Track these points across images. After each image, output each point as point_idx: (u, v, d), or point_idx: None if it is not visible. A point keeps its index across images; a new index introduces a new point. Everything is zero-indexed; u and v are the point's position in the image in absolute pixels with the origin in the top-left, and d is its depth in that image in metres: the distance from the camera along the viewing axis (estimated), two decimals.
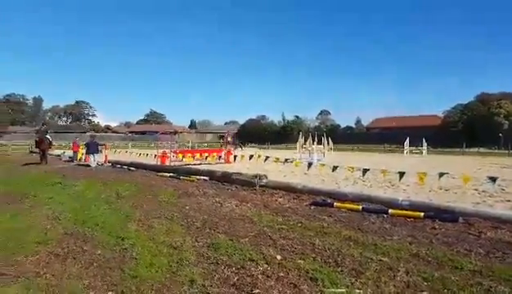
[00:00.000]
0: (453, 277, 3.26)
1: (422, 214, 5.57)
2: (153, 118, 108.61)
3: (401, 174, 8.39)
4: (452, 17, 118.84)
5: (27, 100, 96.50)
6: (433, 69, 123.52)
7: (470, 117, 56.09)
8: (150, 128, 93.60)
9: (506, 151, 35.82)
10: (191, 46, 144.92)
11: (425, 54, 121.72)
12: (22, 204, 6.99)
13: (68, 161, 20.42)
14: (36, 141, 19.36)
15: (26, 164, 17.89)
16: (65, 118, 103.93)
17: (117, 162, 16.94)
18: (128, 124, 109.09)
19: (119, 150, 28.50)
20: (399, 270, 3.43)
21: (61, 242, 4.52)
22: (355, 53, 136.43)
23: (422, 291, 3.03)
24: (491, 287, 3.04)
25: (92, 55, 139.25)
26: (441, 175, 7.78)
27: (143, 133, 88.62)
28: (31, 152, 29.93)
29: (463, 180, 7.69)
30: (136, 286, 3.15)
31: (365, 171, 9.18)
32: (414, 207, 5.97)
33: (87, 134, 28.87)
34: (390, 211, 5.85)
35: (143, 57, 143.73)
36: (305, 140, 23.64)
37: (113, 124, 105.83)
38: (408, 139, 32.80)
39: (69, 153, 22.62)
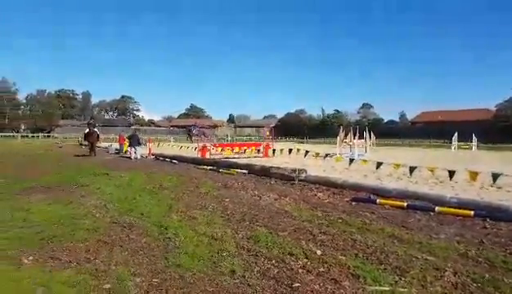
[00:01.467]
0: (506, 279, 3.06)
1: (472, 212, 5.27)
2: (193, 112, 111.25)
3: (451, 173, 7.90)
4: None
5: (77, 94, 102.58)
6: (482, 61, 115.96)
7: None
8: (191, 122, 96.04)
9: None
10: (231, 41, 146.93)
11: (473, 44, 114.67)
12: (73, 193, 7.40)
13: (114, 153, 21.47)
14: (85, 134, 20.54)
15: (77, 156, 19.05)
16: (111, 113, 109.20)
17: (160, 155, 17.58)
18: (169, 118, 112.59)
19: (161, 144, 29.51)
20: (446, 270, 3.26)
21: (109, 230, 4.73)
22: (398, 43, 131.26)
23: (471, 292, 2.87)
24: None
25: (138, 53, 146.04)
26: (495, 176, 7.20)
27: (184, 127, 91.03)
28: (80, 144, 31.79)
29: None
30: (179, 274, 3.25)
31: (412, 169, 8.75)
32: (463, 204, 5.66)
33: (132, 128, 30.10)
34: (437, 208, 5.58)
35: (184, 54, 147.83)
36: (345, 135, 23.09)
37: (156, 118, 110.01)
38: (456, 133, 31.00)
39: (116, 145, 23.75)
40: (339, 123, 55.31)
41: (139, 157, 17.09)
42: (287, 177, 9.05)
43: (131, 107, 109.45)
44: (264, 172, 10.08)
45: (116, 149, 22.26)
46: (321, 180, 8.54)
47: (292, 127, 78.68)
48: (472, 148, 31.70)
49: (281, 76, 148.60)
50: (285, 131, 74.49)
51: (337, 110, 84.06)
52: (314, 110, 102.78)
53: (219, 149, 19.12)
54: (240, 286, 3.02)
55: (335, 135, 25.82)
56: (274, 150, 19.84)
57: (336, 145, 22.94)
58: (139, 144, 17.72)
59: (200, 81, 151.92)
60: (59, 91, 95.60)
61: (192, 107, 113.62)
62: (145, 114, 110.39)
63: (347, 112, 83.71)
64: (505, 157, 21.27)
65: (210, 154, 17.55)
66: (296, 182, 8.68)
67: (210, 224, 4.91)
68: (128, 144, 19.07)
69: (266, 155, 19.01)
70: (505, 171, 8.35)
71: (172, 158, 16.04)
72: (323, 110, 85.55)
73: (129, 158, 17.37)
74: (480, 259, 3.57)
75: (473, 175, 7.64)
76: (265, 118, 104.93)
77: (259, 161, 14.52)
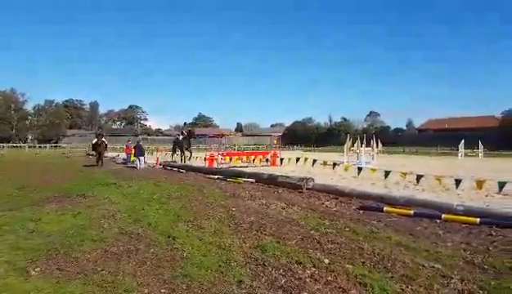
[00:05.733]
0: None
1: (478, 220, 5.25)
2: (201, 121, 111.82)
3: (458, 181, 7.87)
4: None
5: (84, 104, 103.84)
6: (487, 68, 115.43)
7: None
8: (199, 131, 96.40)
9: None
10: (238, 48, 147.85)
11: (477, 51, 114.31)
12: (81, 203, 7.50)
13: (121, 163, 21.67)
14: (93, 145, 20.80)
15: (85, 166, 19.27)
16: (118, 122, 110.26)
17: (168, 165, 17.70)
18: (177, 127, 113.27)
19: (170, 153, 29.66)
20: (453, 278, 3.27)
21: (117, 240, 4.79)
22: (404, 53, 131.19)
23: None
24: None
25: (145, 62, 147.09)
26: (501, 184, 7.16)
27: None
28: (88, 154, 32.12)
29: None
30: (186, 284, 3.29)
31: (418, 177, 8.72)
32: (469, 212, 5.64)
33: (139, 137, 30.34)
34: (443, 216, 5.57)
35: (192, 63, 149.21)
36: (353, 143, 23.04)
37: (163, 127, 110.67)
38: (463, 141, 30.76)
39: (123, 155, 23.97)
40: (347, 131, 55.22)
41: (143, 166, 17.32)
42: (295, 186, 9.07)
43: (138, 116, 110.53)
44: (272, 181, 10.11)
45: (123, 159, 22.47)
46: (328, 188, 8.54)
47: (299, 136, 78.74)
48: (478, 155, 31.44)
49: (289, 84, 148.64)
50: (292, 139, 74.52)
51: (344, 118, 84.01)
52: (321, 118, 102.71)
53: (227, 158, 19.20)
54: None
55: (343, 143, 25.80)
56: (282, 159, 19.86)
57: (343, 153, 22.91)
58: (142, 154, 18.00)
59: (208, 90, 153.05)
60: (66, 101, 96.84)
61: (200, 116, 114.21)
62: (153, 124, 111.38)
63: (354, 120, 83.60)
64: (508, 164, 21.04)
65: (218, 164, 17.64)
66: (304, 191, 8.69)
67: (218, 234, 4.95)
68: (134, 153, 19.34)
69: (274, 164, 19.02)
70: (510, 179, 8.30)
71: (180, 167, 16.16)
72: (330, 118, 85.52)
73: (134, 167, 17.63)
74: (486, 266, 3.57)
75: (480, 183, 7.60)
76: (272, 126, 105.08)
77: (267, 170, 14.54)
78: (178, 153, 21.14)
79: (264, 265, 3.74)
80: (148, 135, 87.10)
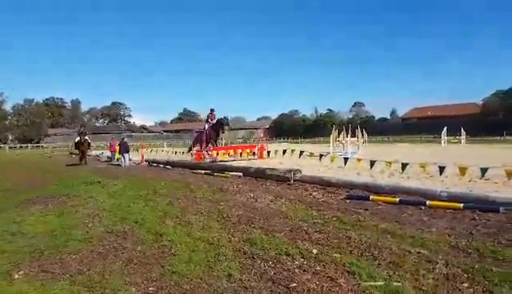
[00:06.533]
0: (494, 268, 3.15)
1: (461, 205, 5.37)
2: (186, 116, 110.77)
3: (441, 168, 8.03)
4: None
5: (65, 102, 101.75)
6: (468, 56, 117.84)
7: (511, 104, 53.01)
8: (185, 126, 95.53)
9: None
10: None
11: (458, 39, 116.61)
12: (66, 203, 7.36)
13: (106, 161, 21.36)
14: (75, 143, 20.39)
15: (68, 165, 18.93)
16: (102, 120, 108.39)
17: (153, 161, 17.52)
18: (162, 123, 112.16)
19: (155, 149, 29.41)
20: (438, 262, 3.35)
21: (102, 239, 4.72)
22: (386, 42, 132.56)
23: (462, 283, 2.94)
24: None
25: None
26: (483, 170, 7.33)
27: (177, 132, 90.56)
28: (71, 153, 31.51)
29: (505, 172, 7.23)
30: (175, 281, 3.27)
31: (404, 165, 8.86)
32: (453, 198, 5.77)
33: (124, 134, 29.94)
34: (428, 202, 5.67)
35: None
36: (338, 134, 23.22)
37: (148, 124, 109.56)
38: (446, 128, 31.39)
39: (108, 153, 23.62)
40: (332, 122, 55.65)
41: (127, 164, 17.13)
42: (282, 178, 9.09)
43: (122, 113, 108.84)
44: (259, 174, 10.10)
45: (108, 157, 22.13)
46: (315, 179, 8.60)
47: (286, 128, 79.05)
48: (461, 142, 32.14)
49: (275, 77, 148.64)
50: (279, 132, 74.77)
51: (330, 110, 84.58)
52: (307, 110, 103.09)
53: (214, 152, 19.09)
54: (237, 289, 3.05)
55: (329, 134, 25.93)
56: (269, 152, 19.86)
57: (330, 144, 23.08)
58: (127, 151, 17.77)
59: (193, 84, 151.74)
60: (47, 100, 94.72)
61: (185, 111, 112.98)
62: (137, 120, 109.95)
63: (339, 111, 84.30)
64: (493, 150, 21.60)
65: (205, 158, 17.52)
66: (291, 182, 8.72)
67: (206, 229, 4.93)
68: (119, 151, 19.06)
69: (261, 157, 19.01)
70: (491, 164, 8.50)
71: (166, 163, 16.00)
72: (316, 110, 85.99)
73: (118, 165, 17.43)
74: (470, 250, 3.66)
75: (462, 169, 7.77)
76: (259, 119, 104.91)
77: (254, 163, 14.54)
78: (196, 147, 17.77)
79: (253, 257, 3.75)
80: (132, 132, 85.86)
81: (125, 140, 18.90)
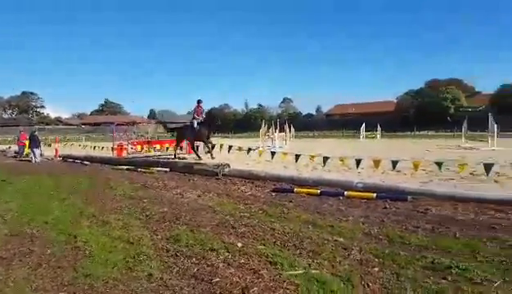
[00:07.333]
0: (402, 252, 3.45)
1: (374, 195, 5.83)
2: (108, 108, 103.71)
3: (358, 161, 8.65)
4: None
5: None
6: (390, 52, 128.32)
7: (421, 102, 59.29)
8: (106, 119, 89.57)
9: (452, 134, 38.15)
10: (152, 32, 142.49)
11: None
12: None
13: (13, 156, 19.24)
14: None
15: None
16: (10, 111, 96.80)
17: (69, 156, 16.18)
18: (81, 116, 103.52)
19: (70, 143, 27.19)
20: (353, 249, 3.57)
21: (6, 243, 4.22)
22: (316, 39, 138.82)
23: (373, 267, 3.17)
24: (434, 259, 3.25)
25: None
26: (394, 162, 8.06)
27: (98, 125, 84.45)
28: None
29: (413, 164, 8.03)
30: (89, 285, 3.02)
31: (325, 159, 9.35)
32: (367, 188, 6.25)
33: (35, 127, 27.19)
34: (346, 193, 6.07)
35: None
36: (268, 128, 23.75)
37: (64, 116, 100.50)
38: (364, 124, 34.06)
39: (15, 147, 21.23)
40: (262, 117, 56.74)
41: (38, 160, 15.62)
42: (211, 173, 9.01)
43: (34, 104, 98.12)
44: (187, 169, 9.89)
45: (15, 152, 19.89)
46: (244, 173, 8.67)
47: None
48: (377, 137, 35.17)
49: (206, 70, 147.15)
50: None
51: (260, 105, 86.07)
52: (238, 105, 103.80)
53: (138, 147, 18.19)
54: (157, 289, 2.91)
55: (259, 129, 26.42)
56: (197, 146, 19.54)
57: (259, 139, 23.51)
58: (38, 145, 16.18)
59: (116, 74, 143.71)
60: None
61: (107, 102, 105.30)
62: (51, 112, 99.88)
63: (269, 106, 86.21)
64: (404, 144, 24.01)
65: (128, 153, 16.64)
66: (220, 177, 8.68)
67: (126, 228, 4.65)
68: (28, 145, 17.24)
69: (190, 152, 18.61)
70: (402, 157, 9.37)
71: (84, 158, 14.87)
72: (247, 104, 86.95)
73: (29, 161, 15.79)
74: (381, 236, 3.98)
75: (376, 162, 8.44)
76: (189, 113, 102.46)
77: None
78: (197, 145, 15.10)
79: (176, 255, 3.62)
80: (46, 124, 78.32)
81: (36, 133, 17.16)
